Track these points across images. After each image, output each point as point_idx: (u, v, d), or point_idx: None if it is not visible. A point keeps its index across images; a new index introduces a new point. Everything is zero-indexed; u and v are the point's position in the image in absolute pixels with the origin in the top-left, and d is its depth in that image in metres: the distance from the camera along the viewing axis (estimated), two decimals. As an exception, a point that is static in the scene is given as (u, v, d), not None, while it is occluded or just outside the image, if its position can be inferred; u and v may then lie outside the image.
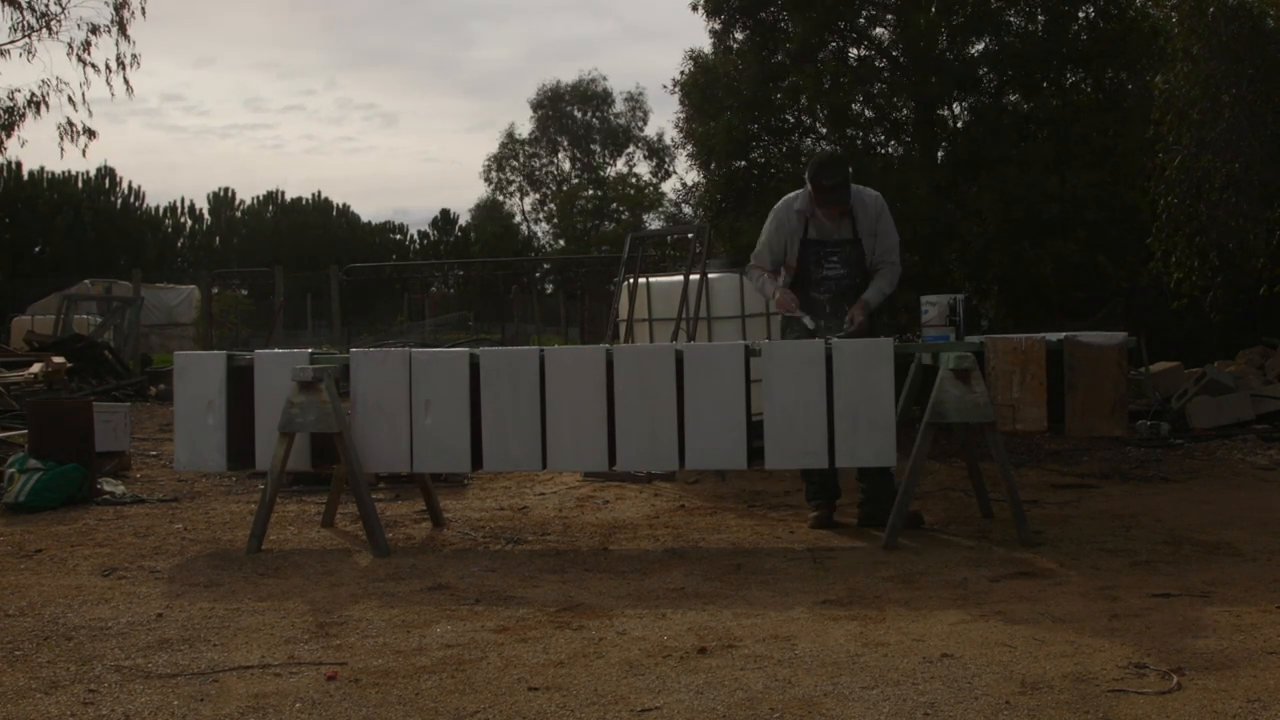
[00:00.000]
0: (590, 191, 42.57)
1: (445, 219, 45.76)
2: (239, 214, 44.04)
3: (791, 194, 5.79)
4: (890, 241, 5.66)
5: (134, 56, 18.87)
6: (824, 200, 5.49)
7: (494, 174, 45.73)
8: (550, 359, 5.28)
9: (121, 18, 17.25)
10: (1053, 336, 5.28)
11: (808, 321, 5.54)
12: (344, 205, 45.81)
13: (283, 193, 44.77)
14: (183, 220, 43.05)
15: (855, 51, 9.83)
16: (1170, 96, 8.38)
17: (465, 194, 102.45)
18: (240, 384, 5.43)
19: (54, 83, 18.30)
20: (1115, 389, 5.15)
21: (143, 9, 17.80)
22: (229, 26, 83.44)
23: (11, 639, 3.81)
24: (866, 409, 5.10)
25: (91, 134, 17.78)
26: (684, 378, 5.18)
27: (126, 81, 18.63)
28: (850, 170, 5.61)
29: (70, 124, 17.57)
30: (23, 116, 17.30)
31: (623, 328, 8.32)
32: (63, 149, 22.65)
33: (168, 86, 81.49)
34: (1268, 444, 8.05)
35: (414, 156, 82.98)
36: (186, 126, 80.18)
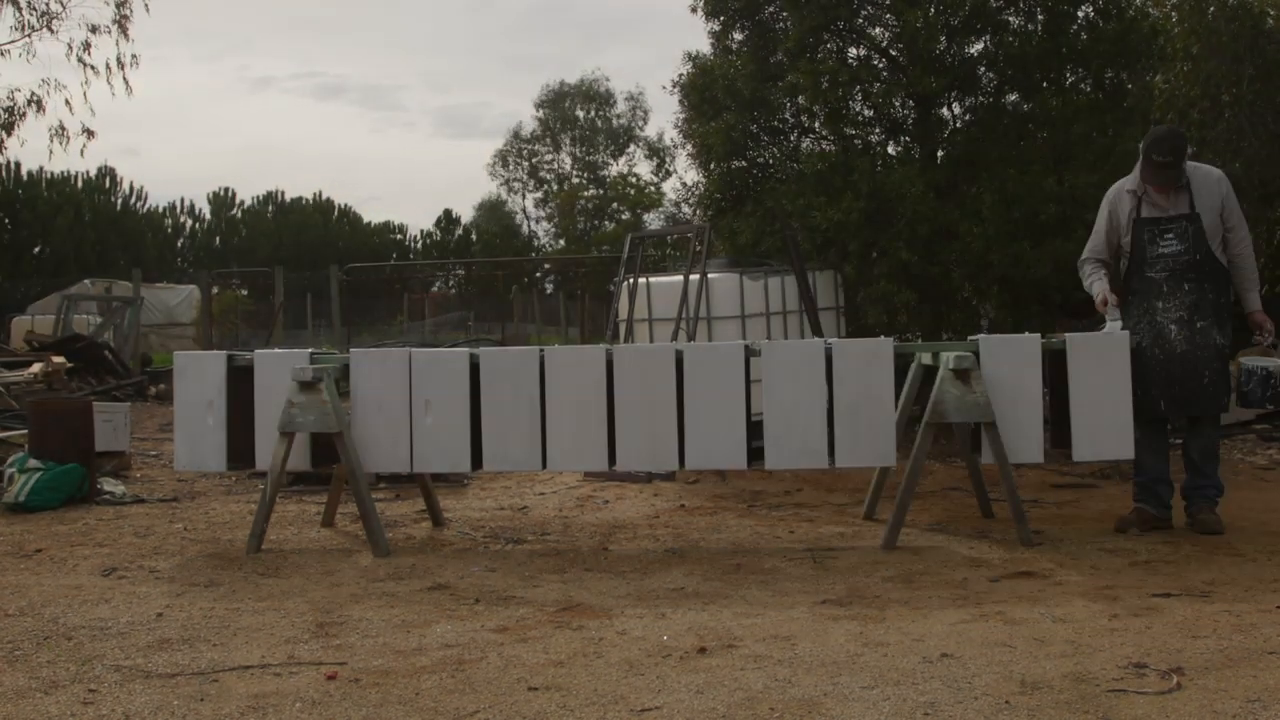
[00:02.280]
0: (591, 191, 42.64)
1: (447, 219, 45.75)
2: (239, 214, 44.00)
3: (1123, 179, 5.61)
4: (1243, 232, 5.42)
5: (134, 56, 18.90)
6: (1154, 178, 5.30)
7: (498, 169, 45.91)
8: (550, 359, 5.28)
9: (122, 17, 17.26)
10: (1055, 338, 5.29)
11: (1111, 323, 5.33)
12: (345, 205, 45.78)
13: (283, 192, 44.79)
14: (183, 220, 43.02)
15: (854, 51, 9.82)
16: (1170, 96, 8.37)
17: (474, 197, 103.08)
18: (240, 384, 5.43)
19: (54, 83, 18.31)
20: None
21: (146, 6, 17.82)
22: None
23: (11, 639, 3.81)
24: (867, 409, 5.10)
25: (90, 134, 17.79)
26: (684, 378, 5.18)
27: (126, 81, 18.60)
28: (1188, 148, 5.44)
29: (63, 127, 17.59)
30: (23, 116, 17.32)
31: (622, 328, 8.32)
32: (51, 151, 22.68)
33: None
34: (1268, 444, 8.05)
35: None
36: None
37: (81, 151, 23.43)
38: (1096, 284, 5.52)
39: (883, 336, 5.40)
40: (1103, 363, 5.14)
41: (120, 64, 17.77)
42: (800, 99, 9.50)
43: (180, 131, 78.95)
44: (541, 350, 5.33)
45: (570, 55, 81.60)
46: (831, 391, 5.12)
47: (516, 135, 45.62)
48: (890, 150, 10.01)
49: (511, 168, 45.74)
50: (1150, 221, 5.39)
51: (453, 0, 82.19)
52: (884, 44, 9.70)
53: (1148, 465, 5.40)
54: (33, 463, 6.42)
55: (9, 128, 17.37)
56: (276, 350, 5.66)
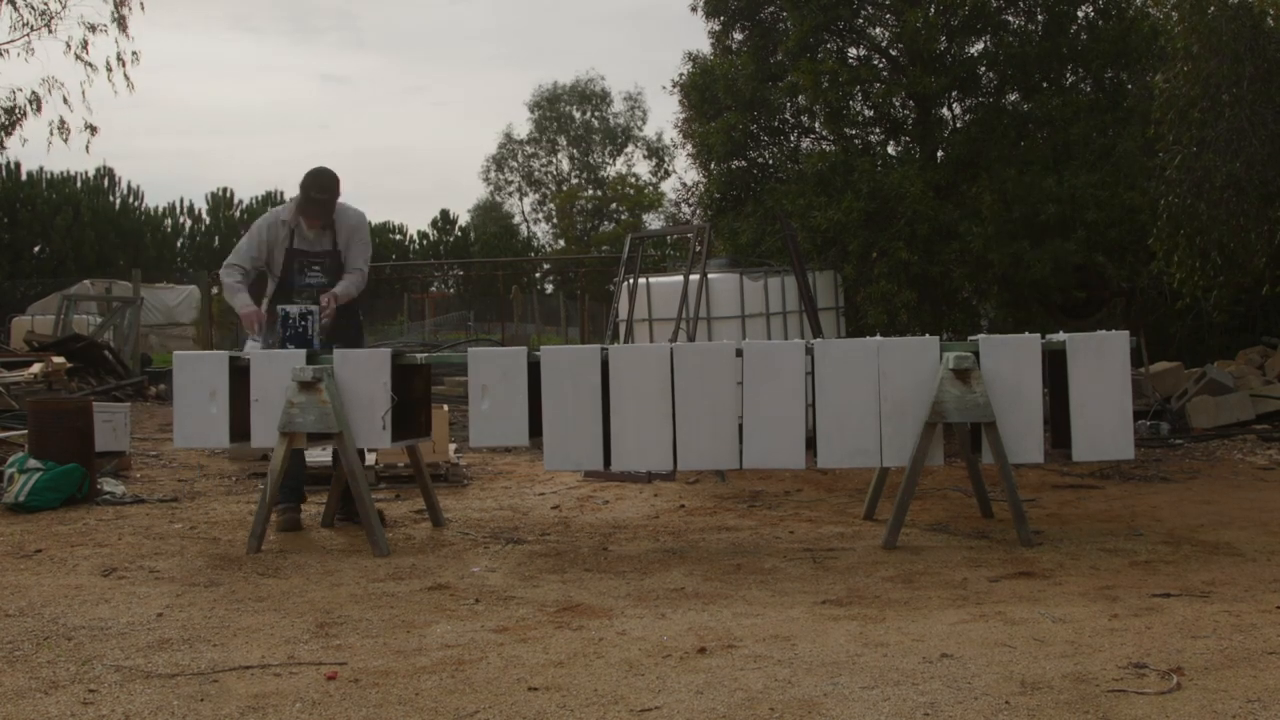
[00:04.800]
0: (590, 191, 42.62)
1: (445, 219, 45.74)
2: (238, 214, 43.96)
3: (278, 207, 6.09)
4: (361, 252, 6.06)
5: (134, 54, 18.87)
6: (309, 212, 5.85)
7: (492, 174, 45.83)
8: (614, 357, 5.24)
9: (121, 15, 17.24)
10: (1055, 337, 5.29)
11: (254, 341, 5.73)
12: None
13: (281, 192, 44.72)
14: (182, 220, 42.98)
15: (854, 51, 9.83)
16: (1170, 96, 8.37)
17: (469, 195, 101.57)
18: (238, 383, 5.43)
19: (53, 81, 18.28)
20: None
21: (141, 5, 17.80)
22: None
23: (11, 639, 3.81)
24: (915, 409, 5.10)
25: (93, 129, 17.78)
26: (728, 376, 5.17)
27: (127, 78, 18.54)
28: (339, 188, 5.95)
29: (63, 122, 17.59)
30: (24, 115, 17.31)
31: (622, 328, 8.32)
32: (50, 144, 22.62)
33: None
34: (1267, 444, 8.06)
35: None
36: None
37: (86, 147, 23.19)
38: (239, 298, 5.82)
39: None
40: (1102, 363, 5.14)
41: (121, 61, 17.74)
42: (800, 99, 9.52)
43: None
44: (604, 349, 5.30)
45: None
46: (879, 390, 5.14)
47: (510, 137, 45.56)
48: (890, 150, 10.03)
49: (505, 171, 45.68)
50: (301, 254, 5.92)
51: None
52: (884, 44, 9.71)
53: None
54: (33, 463, 6.42)
55: (9, 128, 17.35)
56: (274, 350, 5.64)
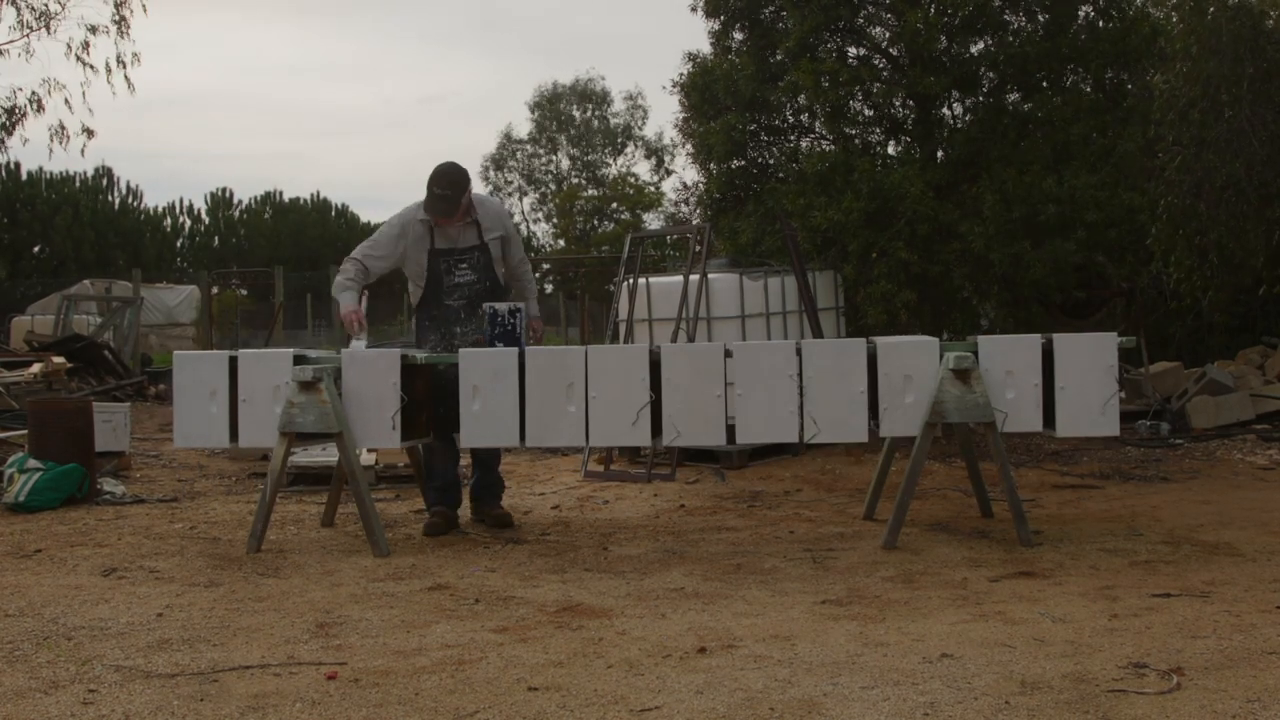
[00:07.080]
0: (590, 191, 42.60)
1: (445, 219, 45.72)
2: (238, 214, 43.97)
3: (414, 204, 5.76)
4: (521, 251, 5.96)
5: (135, 55, 18.85)
6: (433, 208, 5.58)
7: (491, 174, 45.81)
8: (594, 357, 5.24)
9: (121, 17, 17.24)
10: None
11: (356, 342, 5.55)
12: (343, 205, 45.74)
13: (281, 192, 44.72)
14: (181, 220, 42.98)
15: (854, 51, 9.83)
16: (1170, 96, 8.37)
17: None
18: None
19: (53, 83, 18.29)
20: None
21: (144, 7, 17.80)
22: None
23: (11, 639, 3.81)
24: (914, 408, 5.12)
25: (90, 133, 17.79)
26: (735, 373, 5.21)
27: (128, 80, 18.52)
28: (468, 180, 5.65)
29: (62, 126, 17.61)
30: (24, 115, 17.31)
31: (622, 328, 8.32)
32: (51, 150, 22.64)
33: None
34: (1267, 444, 8.05)
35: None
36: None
37: (82, 151, 23.28)
38: (348, 300, 5.59)
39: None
40: (1088, 352, 5.13)
41: (121, 63, 17.74)
42: (800, 99, 9.51)
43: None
44: (586, 349, 5.30)
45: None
46: (875, 386, 5.14)
47: (509, 137, 45.51)
48: (890, 150, 10.02)
49: (506, 170, 45.66)
50: (445, 252, 5.69)
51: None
52: (884, 44, 9.71)
53: (438, 470, 5.74)
54: (33, 463, 6.42)
55: (9, 128, 17.36)
56: (260, 350, 5.64)
